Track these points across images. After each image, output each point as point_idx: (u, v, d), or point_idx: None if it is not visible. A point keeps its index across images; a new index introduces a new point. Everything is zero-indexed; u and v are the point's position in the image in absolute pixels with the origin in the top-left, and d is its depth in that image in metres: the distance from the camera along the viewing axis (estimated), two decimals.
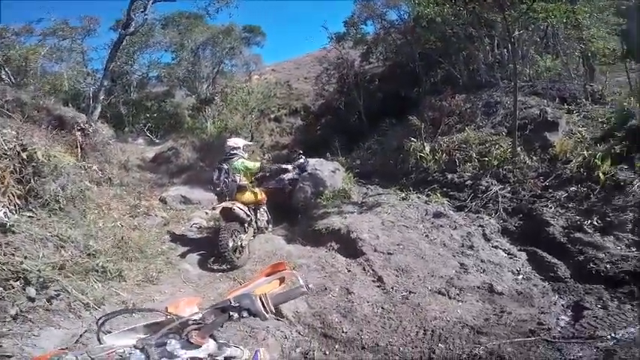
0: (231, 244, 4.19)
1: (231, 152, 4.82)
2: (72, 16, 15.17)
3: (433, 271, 3.81)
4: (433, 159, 6.54)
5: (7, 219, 3.21)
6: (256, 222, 4.93)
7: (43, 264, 2.99)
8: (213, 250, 4.41)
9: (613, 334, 2.51)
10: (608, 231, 3.93)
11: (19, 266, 2.83)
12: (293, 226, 5.54)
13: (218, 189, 4.68)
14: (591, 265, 3.53)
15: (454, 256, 4.12)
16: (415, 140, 7.02)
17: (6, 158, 3.60)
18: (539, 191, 5.03)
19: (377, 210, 5.20)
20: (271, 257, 4.51)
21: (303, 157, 5.49)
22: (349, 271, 4.00)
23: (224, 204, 4.52)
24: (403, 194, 5.85)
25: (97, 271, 3.40)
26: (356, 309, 3.25)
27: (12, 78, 9.84)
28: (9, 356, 2.25)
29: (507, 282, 3.61)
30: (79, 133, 6.36)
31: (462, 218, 4.97)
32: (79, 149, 6.10)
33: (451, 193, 5.74)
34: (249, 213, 4.70)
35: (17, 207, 3.55)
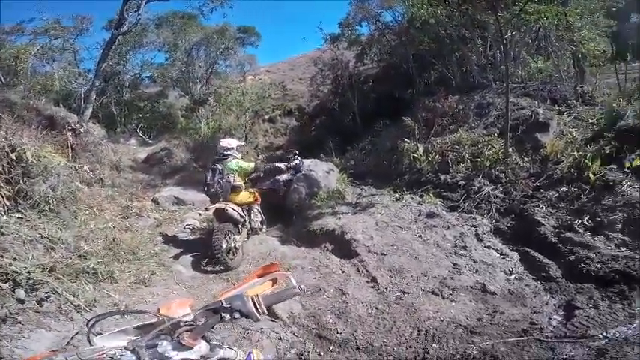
0: (224, 245, 4.17)
1: (225, 153, 4.78)
2: (65, 16, 15.01)
3: (426, 271, 3.83)
4: (426, 160, 6.57)
5: None
6: (250, 223, 4.91)
7: (33, 265, 2.96)
8: (206, 252, 4.37)
9: (604, 333, 2.53)
10: (598, 231, 3.97)
11: (8, 268, 2.80)
12: (287, 227, 5.52)
13: (212, 190, 4.61)
14: (582, 264, 3.56)
15: (447, 256, 4.14)
16: (409, 141, 7.05)
17: None
18: (531, 192, 5.08)
19: (371, 211, 5.22)
20: (265, 258, 4.49)
21: (299, 157, 5.47)
22: (343, 271, 4.01)
23: (217, 205, 4.47)
24: (397, 195, 5.89)
25: (88, 272, 3.37)
26: (350, 309, 3.26)
27: (2, 78, 9.70)
28: None
29: (500, 282, 3.64)
30: (70, 133, 6.30)
31: (455, 219, 5.00)
32: (69, 150, 6.05)
33: (444, 193, 5.77)
34: (242, 214, 4.68)
35: (6, 208, 3.51)
